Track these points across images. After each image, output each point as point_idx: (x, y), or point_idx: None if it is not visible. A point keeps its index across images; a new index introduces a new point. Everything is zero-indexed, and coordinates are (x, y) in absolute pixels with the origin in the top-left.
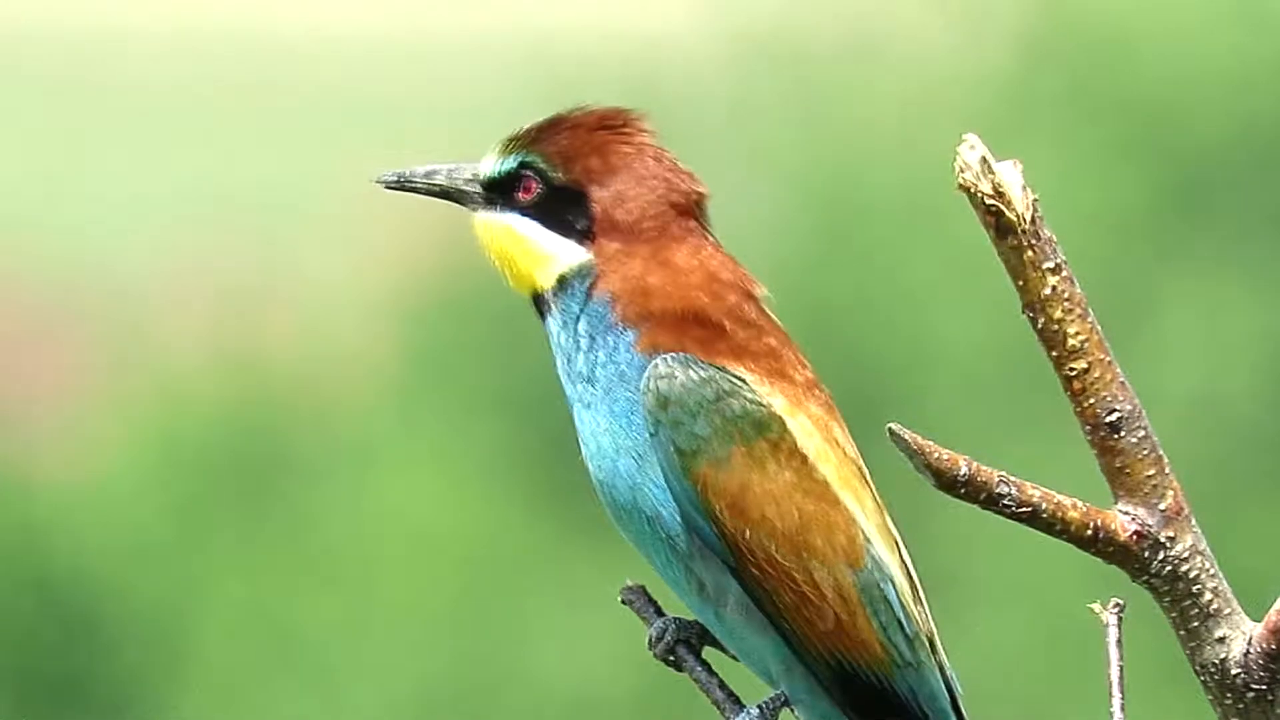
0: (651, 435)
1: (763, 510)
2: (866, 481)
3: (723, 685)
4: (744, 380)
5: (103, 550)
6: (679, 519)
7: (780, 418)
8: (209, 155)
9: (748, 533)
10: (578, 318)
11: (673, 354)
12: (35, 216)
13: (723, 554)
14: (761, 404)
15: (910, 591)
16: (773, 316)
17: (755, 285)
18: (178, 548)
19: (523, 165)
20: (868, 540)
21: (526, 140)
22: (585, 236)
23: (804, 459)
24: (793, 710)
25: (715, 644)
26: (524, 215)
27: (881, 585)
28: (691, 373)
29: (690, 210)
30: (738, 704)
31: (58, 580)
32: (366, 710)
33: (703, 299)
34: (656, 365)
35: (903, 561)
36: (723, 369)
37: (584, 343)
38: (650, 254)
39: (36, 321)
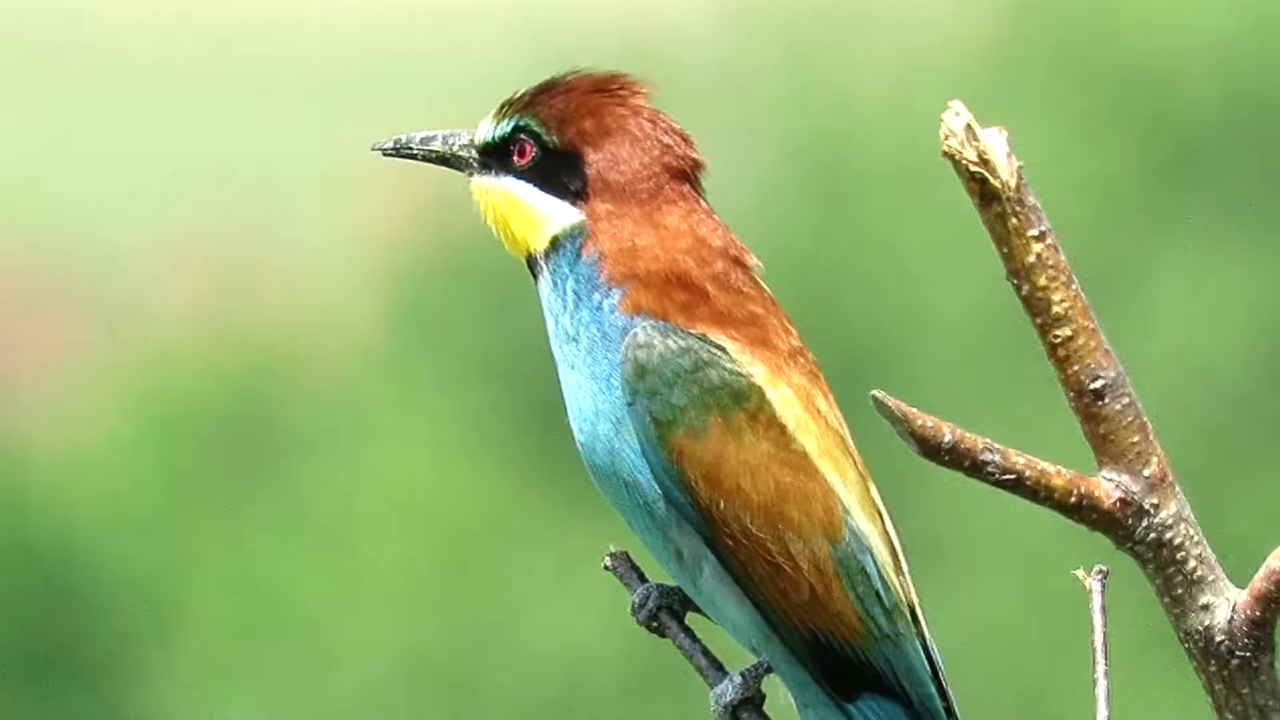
0: (629, 404)
1: (738, 481)
2: (849, 451)
3: (706, 651)
4: (724, 349)
5: (91, 520)
6: (656, 486)
7: (759, 388)
8: (199, 125)
9: (722, 503)
10: (566, 277)
11: (652, 322)
12: (25, 188)
13: (697, 524)
14: (741, 374)
15: (891, 563)
16: (761, 284)
17: (745, 253)
18: (167, 518)
19: (518, 129)
20: (846, 511)
21: (522, 104)
22: (578, 198)
23: (783, 429)
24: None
25: (698, 610)
26: (519, 178)
27: (859, 557)
28: (670, 342)
29: (685, 174)
30: (721, 670)
31: (46, 550)
32: (355, 678)
33: (689, 262)
34: (635, 334)
35: (885, 532)
36: (703, 336)
37: (570, 302)
38: (642, 215)
39: (25, 292)
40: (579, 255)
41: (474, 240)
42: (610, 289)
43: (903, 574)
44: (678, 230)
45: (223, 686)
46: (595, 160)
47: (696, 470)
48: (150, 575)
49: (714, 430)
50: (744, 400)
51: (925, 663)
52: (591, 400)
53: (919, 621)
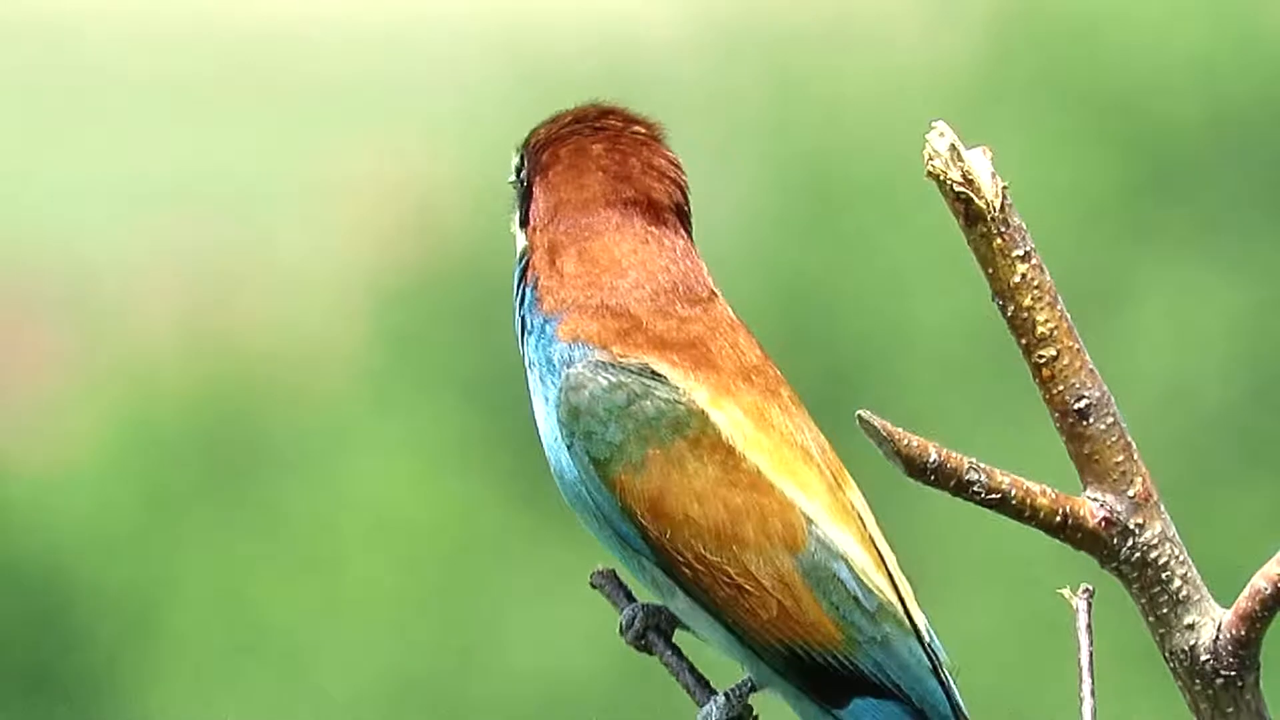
0: (568, 446)
1: (685, 510)
2: (815, 460)
3: (693, 670)
4: (663, 377)
5: (73, 536)
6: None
7: (701, 412)
8: (180, 138)
9: (671, 533)
10: (522, 303)
11: (587, 358)
12: (5, 205)
13: (651, 556)
14: (680, 402)
15: (873, 563)
16: (715, 307)
17: (702, 280)
18: (149, 533)
19: (519, 160)
20: (811, 521)
21: (527, 137)
22: (527, 226)
23: (730, 451)
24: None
25: (686, 628)
26: (517, 208)
27: (830, 565)
28: (601, 379)
29: (640, 204)
30: (708, 688)
31: (28, 567)
32: (338, 695)
33: (627, 290)
34: (568, 376)
35: (865, 535)
36: (643, 366)
37: (526, 327)
38: (579, 248)
39: (6, 309)
40: (524, 283)
41: (456, 257)
42: (549, 317)
43: (889, 573)
44: (616, 259)
45: (205, 703)
46: (540, 191)
47: (641, 504)
48: (133, 592)
49: (654, 462)
50: (684, 428)
51: (922, 659)
52: (551, 429)
53: (913, 617)
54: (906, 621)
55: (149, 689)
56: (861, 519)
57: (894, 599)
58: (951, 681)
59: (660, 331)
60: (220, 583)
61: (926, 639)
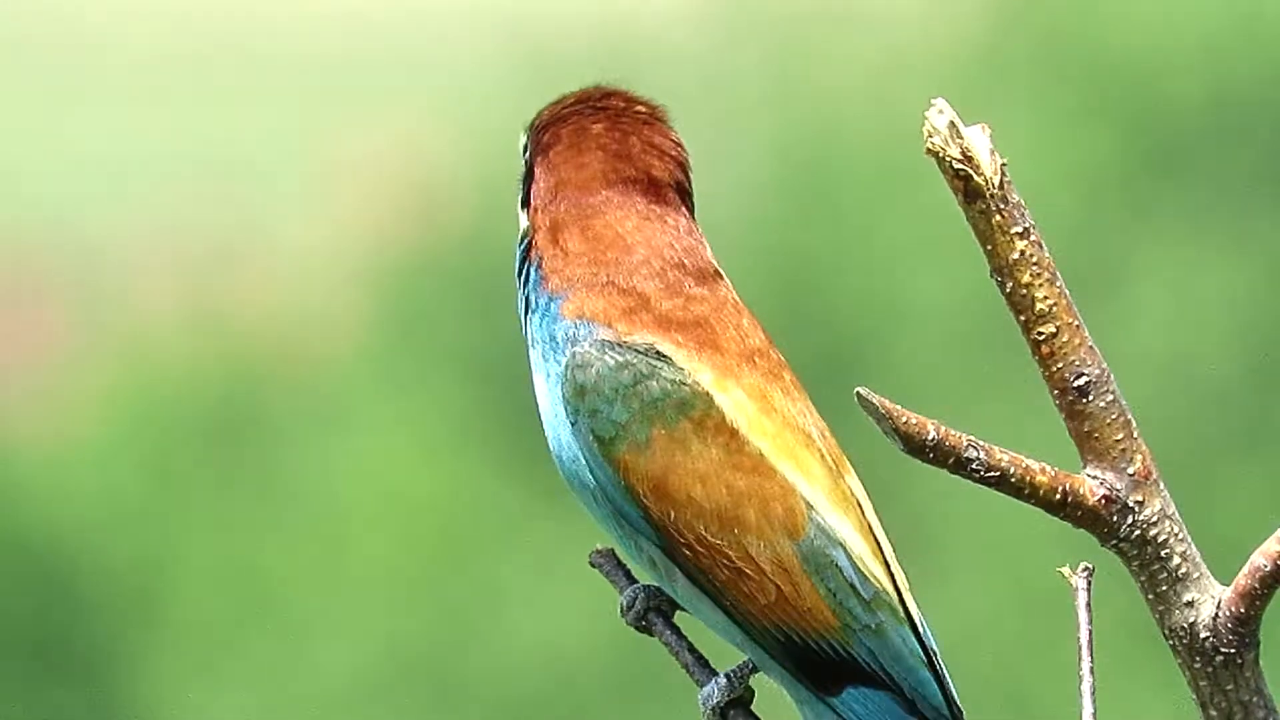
0: (572, 424)
1: (688, 491)
2: (815, 446)
3: (692, 649)
4: (669, 357)
5: (77, 512)
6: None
7: (706, 394)
8: (182, 117)
9: (674, 514)
10: (525, 283)
11: (592, 338)
12: (7, 182)
13: (652, 536)
14: (685, 383)
15: (870, 552)
16: (719, 288)
17: (705, 259)
18: (152, 509)
19: (525, 143)
20: (811, 507)
21: (532, 119)
22: (528, 206)
23: (733, 433)
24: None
25: (686, 610)
26: (521, 188)
27: (829, 551)
28: (608, 358)
29: (641, 183)
30: (708, 668)
31: (31, 543)
32: (340, 669)
33: (632, 269)
34: (574, 354)
35: (863, 522)
36: (649, 346)
37: (529, 306)
38: (582, 225)
39: (9, 286)
40: (527, 262)
41: (457, 236)
42: (554, 295)
43: (887, 562)
44: (619, 237)
45: (208, 676)
46: (541, 171)
47: (645, 484)
48: (136, 567)
49: (659, 442)
50: (689, 409)
51: (916, 649)
52: (552, 406)
53: (908, 606)
54: (901, 611)
55: (153, 663)
56: (860, 506)
57: (890, 588)
58: (945, 673)
59: (666, 310)
60: (223, 558)
61: (920, 629)
